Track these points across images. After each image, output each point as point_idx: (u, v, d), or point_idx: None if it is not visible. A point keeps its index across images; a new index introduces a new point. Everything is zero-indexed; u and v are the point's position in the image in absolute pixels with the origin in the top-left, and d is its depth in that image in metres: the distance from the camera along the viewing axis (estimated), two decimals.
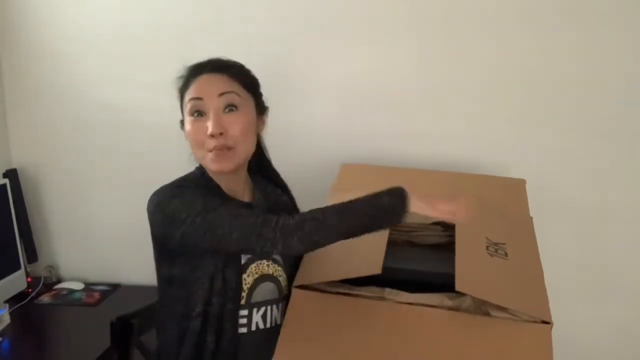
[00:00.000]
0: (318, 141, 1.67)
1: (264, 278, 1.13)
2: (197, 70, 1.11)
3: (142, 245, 1.90)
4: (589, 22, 1.47)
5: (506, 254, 1.10)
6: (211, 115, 1.06)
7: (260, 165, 1.27)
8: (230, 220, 1.00)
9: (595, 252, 1.58)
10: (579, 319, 1.59)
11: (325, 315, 1.04)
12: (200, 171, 1.16)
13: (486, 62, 1.55)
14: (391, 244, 1.18)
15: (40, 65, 1.85)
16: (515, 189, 1.35)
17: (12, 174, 1.84)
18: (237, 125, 1.07)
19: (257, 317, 1.12)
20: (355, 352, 0.98)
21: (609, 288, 1.59)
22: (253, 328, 1.12)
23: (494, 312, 0.98)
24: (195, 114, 1.08)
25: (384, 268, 1.03)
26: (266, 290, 1.14)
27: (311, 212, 1.00)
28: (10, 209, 1.73)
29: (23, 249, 1.82)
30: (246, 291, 1.11)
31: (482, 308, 1.00)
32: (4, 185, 1.72)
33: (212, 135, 1.05)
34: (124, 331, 1.30)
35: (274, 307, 1.15)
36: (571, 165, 1.55)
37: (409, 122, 1.62)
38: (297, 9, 1.63)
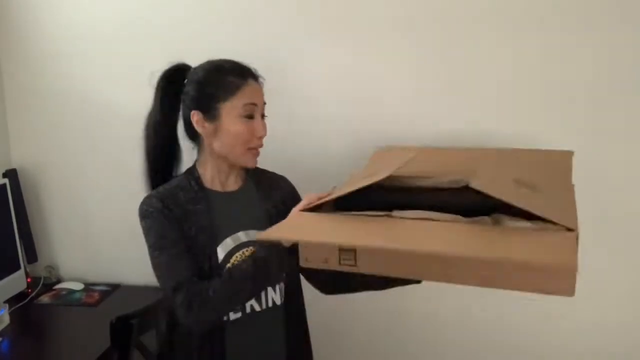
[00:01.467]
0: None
1: None
2: (239, 74, 1.20)
3: (142, 246, 1.90)
4: (598, 23, 1.47)
5: (535, 189, 1.00)
6: (260, 120, 1.21)
7: None
8: (169, 263, 1.15)
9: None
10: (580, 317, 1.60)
11: (329, 226, 0.98)
12: (192, 175, 1.24)
13: (495, 60, 1.53)
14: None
15: (40, 66, 1.85)
16: (560, 159, 1.23)
17: (11, 174, 1.84)
18: (267, 130, 1.23)
19: (250, 300, 1.20)
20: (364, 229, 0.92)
21: (609, 287, 1.58)
22: (248, 310, 1.20)
23: (514, 224, 0.88)
24: (248, 117, 1.19)
25: (393, 203, 0.98)
26: None
27: (214, 283, 1.12)
28: (10, 209, 1.73)
29: (23, 249, 1.82)
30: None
31: (501, 224, 0.90)
32: (4, 185, 1.72)
33: (260, 137, 1.20)
34: (123, 331, 1.30)
35: (269, 288, 1.22)
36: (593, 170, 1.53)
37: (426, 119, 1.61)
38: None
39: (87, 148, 1.87)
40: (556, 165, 1.19)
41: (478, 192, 0.93)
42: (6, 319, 1.63)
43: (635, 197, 1.53)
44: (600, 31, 1.46)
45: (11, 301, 1.72)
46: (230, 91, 1.18)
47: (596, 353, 1.61)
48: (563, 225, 0.86)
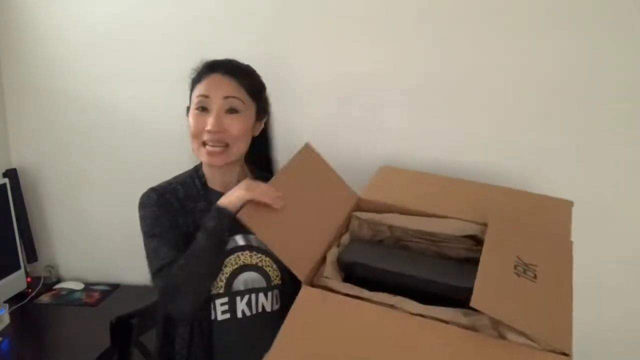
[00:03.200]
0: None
1: (245, 268, 1.22)
2: (210, 68, 1.21)
3: (142, 245, 1.90)
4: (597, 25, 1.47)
5: (535, 276, 1.02)
6: (214, 113, 1.17)
7: (260, 161, 1.37)
8: (156, 250, 1.16)
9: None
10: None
11: (329, 318, 0.98)
12: (197, 173, 1.26)
13: (501, 62, 1.54)
14: (419, 253, 1.18)
15: (39, 66, 1.85)
16: (560, 209, 1.27)
17: (11, 174, 1.84)
18: (235, 127, 1.18)
19: (241, 305, 1.21)
20: None
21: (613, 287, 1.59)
22: (239, 315, 1.21)
23: (510, 336, 0.91)
24: (200, 109, 1.18)
25: (402, 275, 1.04)
26: (249, 279, 1.22)
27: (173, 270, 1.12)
28: (10, 209, 1.73)
29: (23, 249, 1.82)
30: (224, 281, 1.20)
31: (498, 330, 0.92)
32: (4, 185, 1.72)
33: (209, 131, 1.16)
34: (123, 331, 1.30)
35: (261, 294, 1.22)
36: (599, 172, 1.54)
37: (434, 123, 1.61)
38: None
39: (87, 148, 1.87)
40: (556, 222, 1.23)
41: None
42: (6, 319, 1.63)
43: (634, 197, 1.53)
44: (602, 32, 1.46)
45: (11, 301, 1.72)
46: (194, 84, 1.22)
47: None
48: (558, 349, 0.89)
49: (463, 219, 1.19)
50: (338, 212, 1.23)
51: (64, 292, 1.85)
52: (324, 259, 1.10)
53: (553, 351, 0.89)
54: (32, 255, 1.89)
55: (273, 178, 1.11)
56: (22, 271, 1.76)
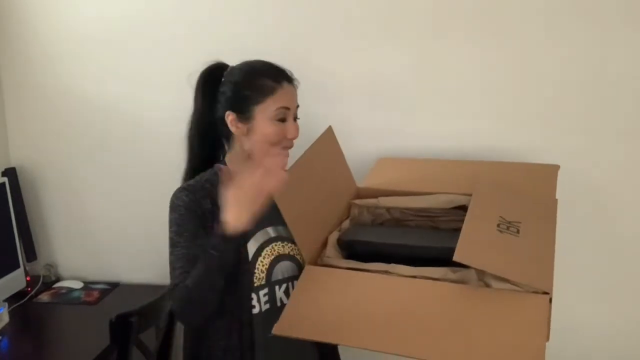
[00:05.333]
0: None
1: (280, 258, 1.24)
2: (275, 77, 1.22)
3: (141, 244, 1.91)
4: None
5: (518, 232, 1.10)
6: (292, 122, 1.23)
7: None
8: (174, 263, 1.15)
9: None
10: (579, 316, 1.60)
11: (331, 289, 1.09)
12: (215, 171, 1.25)
13: (512, 59, 1.53)
14: (414, 228, 1.30)
15: (38, 65, 1.85)
16: (546, 173, 1.33)
17: (11, 173, 1.84)
18: (298, 132, 1.24)
19: (279, 293, 1.23)
20: (355, 324, 1.01)
21: (620, 285, 1.59)
22: (278, 304, 1.22)
23: (495, 284, 0.99)
24: (281, 120, 1.21)
25: (395, 245, 1.16)
26: (285, 268, 1.24)
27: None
28: (9, 208, 1.73)
29: (22, 248, 1.82)
30: (264, 272, 1.21)
31: (484, 280, 1.00)
32: (3, 184, 1.72)
33: (291, 139, 1.22)
34: (123, 330, 1.31)
35: (296, 282, 1.23)
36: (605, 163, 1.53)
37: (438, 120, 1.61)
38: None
39: (86, 147, 1.87)
40: (542, 185, 1.29)
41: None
42: (5, 318, 1.63)
43: (632, 197, 1.53)
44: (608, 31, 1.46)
45: (10, 300, 1.72)
46: (264, 94, 1.20)
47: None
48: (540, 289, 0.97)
49: (451, 192, 1.28)
50: (341, 200, 1.34)
51: (63, 291, 1.85)
52: (325, 243, 1.22)
53: (535, 292, 0.96)
54: (31, 254, 1.89)
55: (297, 159, 1.18)
56: (21, 270, 1.76)
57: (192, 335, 1.26)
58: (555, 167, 1.34)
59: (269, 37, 1.65)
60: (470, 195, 1.23)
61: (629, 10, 1.44)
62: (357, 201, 1.35)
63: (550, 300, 0.95)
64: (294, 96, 1.24)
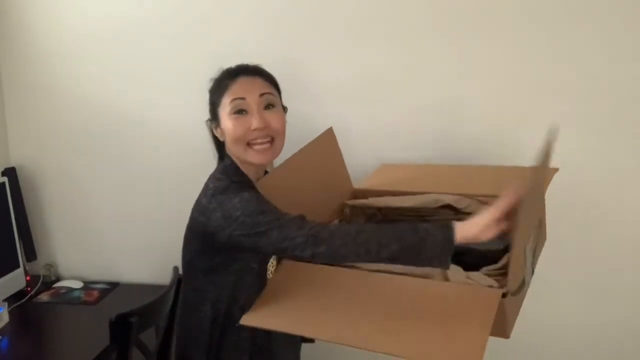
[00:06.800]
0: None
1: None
2: (232, 74, 1.22)
3: (141, 244, 1.91)
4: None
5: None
6: (255, 111, 1.18)
7: None
8: (272, 223, 1.07)
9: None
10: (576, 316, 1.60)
11: (301, 282, 1.13)
12: (234, 166, 1.23)
13: (512, 60, 1.53)
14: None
15: (39, 65, 1.85)
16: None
17: (10, 173, 1.84)
18: (277, 120, 1.20)
19: None
20: (316, 313, 1.05)
21: (609, 287, 1.59)
22: None
23: (453, 278, 1.05)
24: (237, 113, 1.19)
25: None
26: None
27: (346, 226, 1.09)
28: (9, 208, 1.73)
29: (22, 248, 1.82)
30: (273, 273, 1.21)
31: (445, 275, 1.05)
32: (3, 183, 1.72)
33: (256, 129, 1.17)
34: (123, 329, 1.30)
35: None
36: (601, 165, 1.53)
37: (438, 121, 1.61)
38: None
39: (86, 147, 1.87)
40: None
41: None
42: (5, 317, 1.63)
43: (630, 198, 1.54)
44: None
45: (10, 299, 1.72)
46: (221, 93, 1.21)
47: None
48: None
49: (438, 192, 1.30)
50: (334, 200, 1.35)
51: (63, 291, 1.85)
52: None
53: (490, 286, 1.01)
54: (31, 253, 1.89)
55: (291, 156, 1.18)
56: (21, 270, 1.76)
57: (210, 329, 1.24)
58: (553, 170, 1.32)
59: (269, 38, 1.65)
60: (455, 194, 1.27)
61: (629, 11, 1.44)
62: (349, 201, 1.36)
63: (504, 295, 0.97)
64: (252, 85, 1.20)
